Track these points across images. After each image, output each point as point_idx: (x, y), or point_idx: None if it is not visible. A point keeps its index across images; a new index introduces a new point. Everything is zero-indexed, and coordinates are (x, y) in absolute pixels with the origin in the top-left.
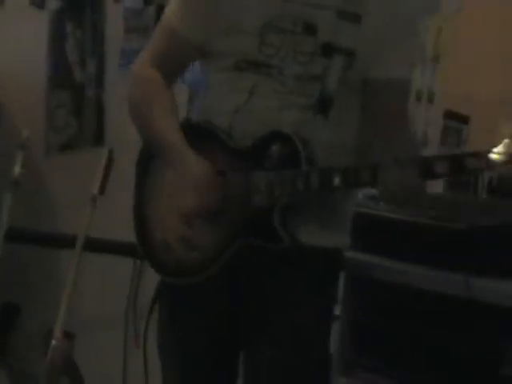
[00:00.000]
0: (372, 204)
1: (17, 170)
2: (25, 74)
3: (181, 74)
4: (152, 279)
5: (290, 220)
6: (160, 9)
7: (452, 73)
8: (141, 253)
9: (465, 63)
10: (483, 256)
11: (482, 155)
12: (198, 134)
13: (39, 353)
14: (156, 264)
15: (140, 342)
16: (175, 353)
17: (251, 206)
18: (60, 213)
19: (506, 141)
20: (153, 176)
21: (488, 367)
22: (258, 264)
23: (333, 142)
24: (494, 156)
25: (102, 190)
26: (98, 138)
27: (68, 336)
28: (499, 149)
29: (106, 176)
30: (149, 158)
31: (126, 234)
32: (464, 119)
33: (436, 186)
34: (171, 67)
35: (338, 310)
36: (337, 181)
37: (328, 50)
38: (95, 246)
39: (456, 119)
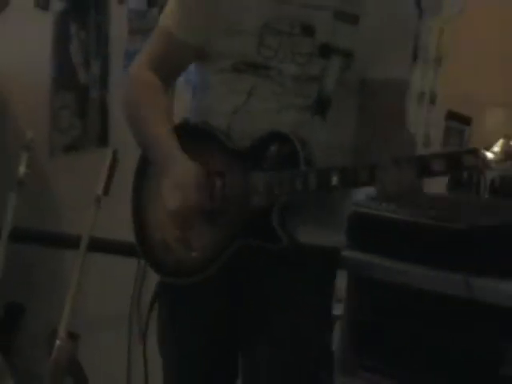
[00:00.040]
0: (373, 204)
1: (21, 170)
2: (29, 75)
3: (178, 76)
4: (156, 279)
5: (289, 220)
6: None
7: (454, 74)
8: (139, 253)
9: (467, 64)
10: (483, 256)
11: (478, 153)
12: (197, 135)
13: (43, 353)
14: (155, 264)
15: (143, 341)
16: (175, 353)
17: (250, 206)
18: (64, 213)
19: (502, 140)
20: (152, 177)
21: (488, 367)
22: (256, 264)
23: (331, 142)
24: (489, 154)
25: (106, 191)
26: (102, 139)
27: (72, 336)
28: (495, 147)
29: (110, 177)
30: (148, 160)
31: (130, 234)
32: (466, 120)
33: (438, 186)
34: (169, 70)
35: (339, 310)
36: (335, 181)
37: (326, 51)
38: (99, 246)
39: (458, 120)
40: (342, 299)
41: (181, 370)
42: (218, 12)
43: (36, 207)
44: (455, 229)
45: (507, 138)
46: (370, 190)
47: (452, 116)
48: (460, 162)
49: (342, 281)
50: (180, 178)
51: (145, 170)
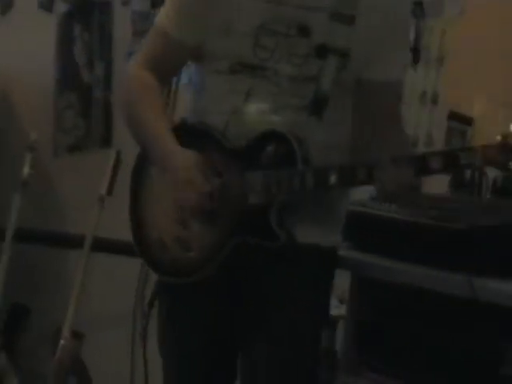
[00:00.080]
0: (375, 204)
1: (26, 171)
2: (33, 76)
3: (175, 75)
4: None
5: (286, 218)
6: None
7: (456, 74)
8: (137, 252)
9: (468, 65)
10: (484, 256)
11: (475, 151)
12: (194, 135)
13: (47, 352)
14: (152, 263)
15: (147, 340)
16: (174, 352)
17: (248, 205)
18: (68, 213)
19: (499, 137)
20: (149, 176)
21: (489, 367)
22: (255, 262)
23: (327, 142)
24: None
25: (109, 191)
26: (106, 140)
27: (76, 335)
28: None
29: (113, 177)
30: (146, 159)
31: None
32: (468, 120)
33: (439, 186)
34: (165, 69)
35: (343, 310)
36: (333, 179)
37: (322, 52)
38: (103, 246)
39: (460, 120)
40: (346, 300)
41: (180, 369)
42: (213, 12)
43: (40, 207)
44: (455, 229)
45: (504, 137)
46: (373, 190)
47: (454, 116)
48: (457, 160)
49: (345, 282)
50: (182, 171)
51: (142, 169)
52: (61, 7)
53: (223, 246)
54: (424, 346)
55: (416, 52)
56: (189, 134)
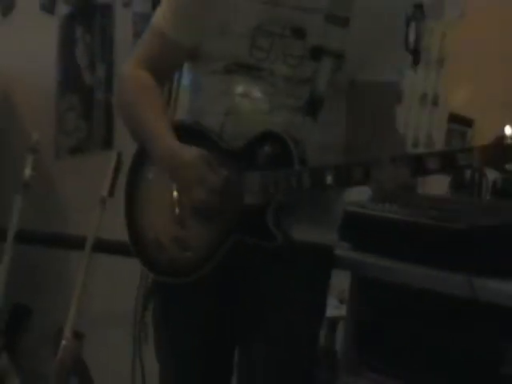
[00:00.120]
0: (375, 205)
1: (27, 172)
2: (35, 77)
3: (171, 75)
4: None
5: (283, 218)
6: None
7: (456, 76)
8: (133, 252)
9: (468, 66)
10: (483, 256)
11: (471, 151)
12: (191, 136)
13: (49, 353)
14: (148, 263)
15: (149, 339)
16: (169, 352)
17: (245, 205)
18: (70, 215)
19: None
20: (144, 177)
21: (489, 367)
22: (253, 262)
23: (323, 142)
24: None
25: (111, 192)
26: (108, 141)
27: (77, 335)
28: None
29: (115, 178)
30: (142, 159)
31: None
32: (468, 122)
33: (440, 187)
34: (162, 70)
35: (343, 310)
36: (329, 179)
37: (317, 54)
38: (104, 247)
39: (460, 122)
40: (346, 300)
41: (176, 369)
42: (210, 13)
43: (42, 209)
44: (455, 229)
45: (500, 138)
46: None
47: (454, 118)
48: (454, 161)
49: (345, 282)
50: (192, 169)
51: (137, 170)
52: (62, 9)
53: (220, 246)
54: (424, 346)
55: (416, 54)
56: (185, 135)
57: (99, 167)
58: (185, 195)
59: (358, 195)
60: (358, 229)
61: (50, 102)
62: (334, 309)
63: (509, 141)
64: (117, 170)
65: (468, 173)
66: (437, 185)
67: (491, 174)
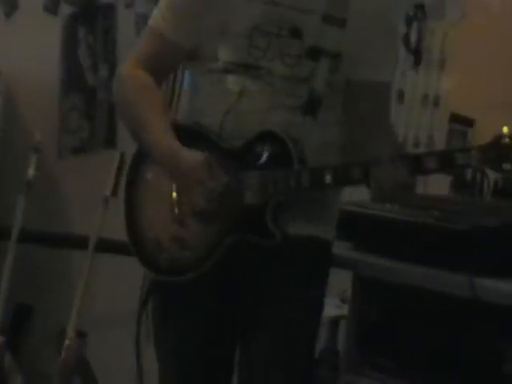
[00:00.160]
0: (375, 205)
1: (30, 172)
2: (38, 77)
3: (169, 75)
4: None
5: (281, 217)
6: None
7: (457, 77)
8: (132, 251)
9: (469, 67)
10: (484, 256)
11: (469, 151)
12: (191, 137)
13: (52, 352)
14: (147, 262)
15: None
16: (170, 351)
17: (244, 205)
18: (73, 214)
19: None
20: (144, 176)
21: (490, 366)
22: (252, 261)
23: (322, 142)
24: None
25: (114, 192)
26: (110, 141)
27: (80, 335)
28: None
29: (118, 178)
30: (142, 159)
31: None
32: (469, 122)
33: (441, 187)
34: (160, 70)
35: (345, 310)
36: (328, 179)
37: (314, 54)
38: (107, 246)
39: (461, 122)
40: (348, 300)
41: (177, 368)
42: (211, 13)
43: (44, 208)
44: (456, 229)
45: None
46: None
47: (455, 118)
48: (452, 160)
49: (347, 281)
50: (192, 171)
51: (137, 169)
52: (65, 10)
53: (219, 245)
54: (425, 346)
55: (417, 54)
56: (185, 135)
57: (102, 167)
58: (184, 196)
59: (359, 195)
60: (359, 229)
61: (53, 101)
62: (336, 308)
63: (506, 140)
64: (120, 169)
65: (469, 173)
66: (438, 185)
67: (492, 175)
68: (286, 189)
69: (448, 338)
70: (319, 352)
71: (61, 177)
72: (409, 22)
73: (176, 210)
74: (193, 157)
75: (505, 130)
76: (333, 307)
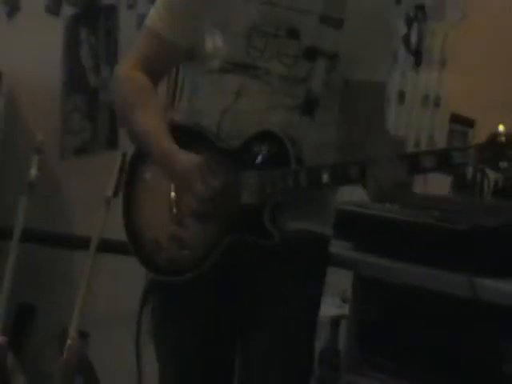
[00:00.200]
0: (375, 205)
1: (32, 173)
2: (40, 78)
3: (166, 75)
4: None
5: (279, 217)
6: None
7: (457, 77)
8: (131, 251)
9: (469, 67)
10: (484, 256)
11: (466, 150)
12: (188, 137)
13: (54, 352)
14: (146, 262)
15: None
16: (169, 351)
17: (242, 204)
18: (74, 215)
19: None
20: (143, 176)
21: (490, 366)
22: (250, 261)
23: (320, 142)
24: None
25: (115, 193)
26: (112, 142)
27: (82, 335)
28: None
29: (119, 179)
30: (140, 159)
31: None
32: (469, 122)
33: (441, 187)
34: (158, 70)
35: (346, 310)
36: (325, 178)
37: (311, 54)
38: (109, 246)
39: (462, 123)
40: (349, 299)
41: (177, 368)
42: (206, 14)
43: (46, 209)
44: (456, 229)
45: (493, 136)
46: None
47: (456, 119)
48: (449, 159)
49: (348, 281)
50: (185, 174)
51: (136, 169)
52: (67, 11)
53: (218, 245)
54: (426, 346)
55: (418, 54)
56: (183, 136)
57: (104, 168)
58: (182, 196)
59: (359, 195)
60: (359, 228)
61: (55, 102)
62: (337, 308)
63: (502, 138)
64: (121, 170)
65: (470, 173)
66: (438, 185)
67: (492, 175)
68: (283, 188)
69: (448, 338)
70: (320, 352)
71: (63, 177)
72: (409, 23)
73: (174, 210)
74: (188, 159)
75: (501, 128)
76: (333, 307)
